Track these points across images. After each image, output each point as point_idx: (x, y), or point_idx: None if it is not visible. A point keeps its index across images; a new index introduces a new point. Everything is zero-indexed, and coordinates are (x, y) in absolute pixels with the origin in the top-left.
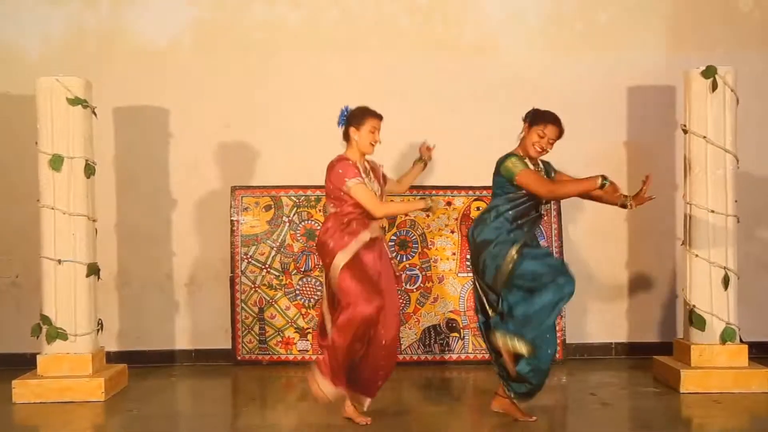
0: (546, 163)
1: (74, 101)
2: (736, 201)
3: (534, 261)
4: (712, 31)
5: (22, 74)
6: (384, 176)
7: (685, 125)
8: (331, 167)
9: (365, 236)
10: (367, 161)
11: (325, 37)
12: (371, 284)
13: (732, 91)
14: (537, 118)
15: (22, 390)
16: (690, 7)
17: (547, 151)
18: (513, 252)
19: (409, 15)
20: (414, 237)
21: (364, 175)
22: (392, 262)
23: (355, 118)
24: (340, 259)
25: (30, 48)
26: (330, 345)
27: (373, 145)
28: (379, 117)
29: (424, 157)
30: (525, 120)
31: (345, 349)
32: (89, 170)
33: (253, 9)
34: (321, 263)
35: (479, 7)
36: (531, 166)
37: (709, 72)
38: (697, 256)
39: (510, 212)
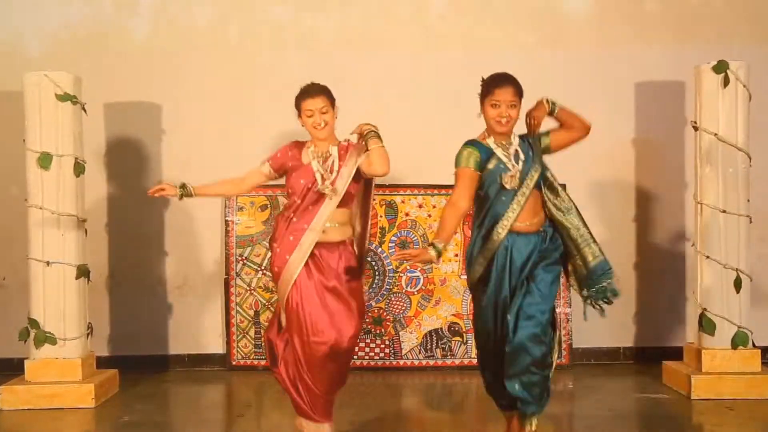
0: (535, 138)
1: (63, 97)
2: (748, 200)
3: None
4: (723, 25)
5: (9, 70)
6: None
7: (695, 122)
8: None
9: (311, 238)
10: (345, 143)
11: (321, 35)
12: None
13: (744, 86)
14: (483, 88)
15: (10, 396)
16: (700, 0)
17: (512, 119)
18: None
19: (410, 12)
20: (415, 238)
21: (313, 160)
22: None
23: (296, 106)
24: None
25: (18, 43)
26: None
27: (317, 128)
28: (312, 94)
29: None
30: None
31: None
32: (79, 169)
33: (249, 6)
34: None
35: (482, 2)
36: (473, 161)
37: (721, 67)
38: (708, 257)
39: (476, 220)
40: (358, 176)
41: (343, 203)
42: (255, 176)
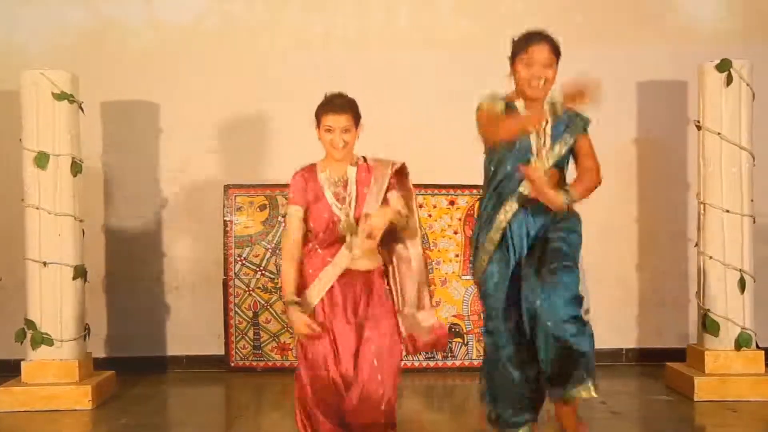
0: (573, 116)
1: (60, 96)
2: (752, 200)
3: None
4: (726, 23)
5: (5, 68)
6: (391, 185)
7: (698, 121)
8: None
9: (332, 272)
10: (366, 164)
11: (321, 34)
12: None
13: (748, 85)
14: (515, 47)
15: (6, 398)
16: None
17: (549, 81)
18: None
19: (411, 10)
20: None
21: (327, 190)
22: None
23: (316, 116)
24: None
25: (14, 41)
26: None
27: (335, 148)
28: (337, 110)
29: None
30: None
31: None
32: (76, 168)
33: (248, 6)
34: None
35: (481, 2)
36: (498, 108)
37: (724, 65)
38: (711, 258)
39: (485, 195)
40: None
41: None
42: (298, 229)
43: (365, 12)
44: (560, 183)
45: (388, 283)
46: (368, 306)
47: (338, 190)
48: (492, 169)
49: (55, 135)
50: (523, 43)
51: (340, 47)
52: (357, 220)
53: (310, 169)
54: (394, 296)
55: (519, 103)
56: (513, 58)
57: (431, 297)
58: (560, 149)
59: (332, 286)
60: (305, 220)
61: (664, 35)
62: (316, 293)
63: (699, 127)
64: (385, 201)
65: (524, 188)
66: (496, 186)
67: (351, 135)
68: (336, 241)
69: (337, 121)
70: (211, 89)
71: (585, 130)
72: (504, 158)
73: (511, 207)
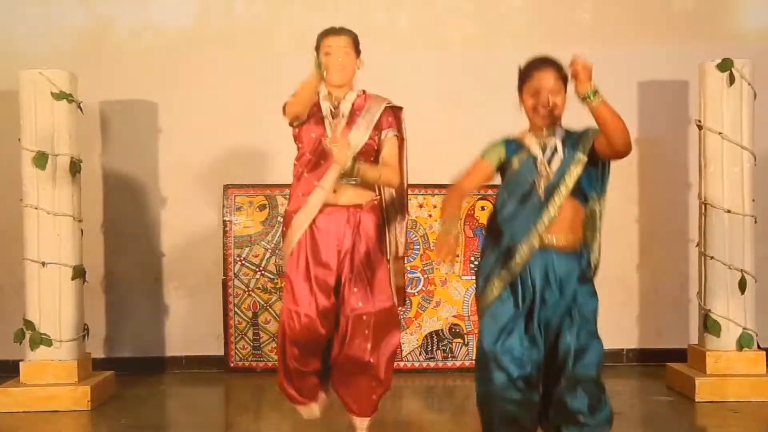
0: (578, 135)
1: (59, 95)
2: (753, 200)
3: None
4: (727, 22)
5: (3, 68)
6: (386, 123)
7: (699, 121)
8: None
9: (318, 196)
10: (365, 94)
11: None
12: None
13: (749, 84)
14: (520, 75)
15: (4, 398)
16: None
17: (558, 107)
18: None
19: (410, 11)
20: (416, 238)
21: (326, 109)
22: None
23: (315, 48)
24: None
25: (13, 41)
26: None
27: (335, 66)
28: (337, 32)
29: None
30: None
31: (282, 357)
32: (75, 168)
33: (248, 5)
34: None
35: (481, 2)
36: (495, 156)
37: (726, 65)
38: (712, 258)
39: (491, 232)
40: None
41: (361, 155)
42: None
43: (365, 12)
44: (579, 219)
45: (381, 219)
46: (354, 253)
47: (332, 108)
48: (500, 202)
49: (53, 135)
50: (527, 72)
51: None
52: (344, 138)
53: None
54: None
55: (528, 135)
56: (519, 88)
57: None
58: (574, 170)
59: (315, 224)
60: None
61: (665, 34)
62: (304, 216)
63: (700, 127)
64: (378, 137)
65: (540, 225)
66: (508, 220)
67: (351, 59)
68: (322, 162)
69: (337, 41)
70: (210, 89)
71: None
72: (509, 191)
73: (526, 250)
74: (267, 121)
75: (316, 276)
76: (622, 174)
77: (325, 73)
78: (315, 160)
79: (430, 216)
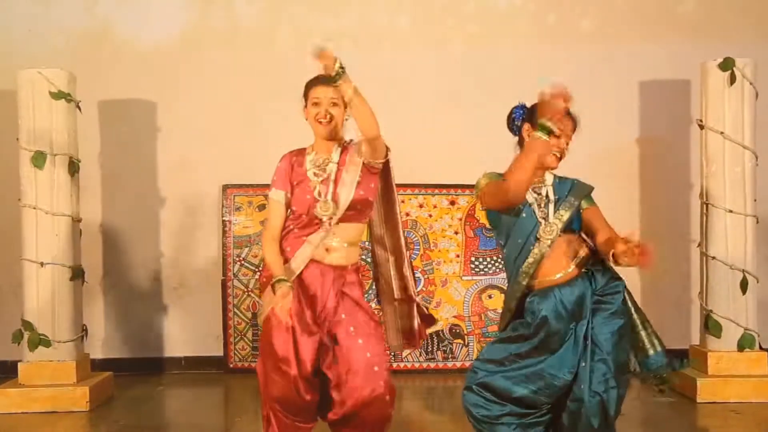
0: (575, 181)
1: (57, 95)
2: (755, 200)
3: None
4: (729, 21)
5: (2, 67)
6: (368, 169)
7: (701, 120)
8: None
9: (306, 251)
10: (346, 146)
11: (321, 34)
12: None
13: (751, 84)
14: (527, 116)
15: (3, 399)
16: None
17: (563, 153)
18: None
19: (410, 8)
20: (416, 238)
21: (309, 171)
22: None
23: (304, 95)
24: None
25: (11, 40)
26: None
27: (321, 122)
28: (325, 82)
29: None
30: (516, 124)
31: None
32: (73, 168)
33: (248, 5)
34: None
35: (482, 2)
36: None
37: (727, 64)
38: (713, 258)
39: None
40: (370, 177)
41: (355, 215)
42: (280, 215)
43: (365, 12)
44: (578, 244)
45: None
46: (338, 307)
47: (320, 171)
48: (503, 244)
49: (52, 134)
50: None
51: (340, 47)
52: (334, 201)
53: (299, 153)
54: (381, 286)
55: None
56: (534, 125)
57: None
58: (566, 213)
59: (301, 279)
60: (288, 204)
61: (667, 34)
62: (288, 272)
63: (702, 127)
64: (359, 184)
65: (528, 268)
66: (514, 261)
67: (339, 111)
68: (314, 223)
69: (324, 92)
70: (209, 88)
71: (591, 199)
72: (510, 230)
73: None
74: (266, 120)
75: (300, 336)
76: (623, 174)
77: None
78: (308, 220)
79: (430, 216)
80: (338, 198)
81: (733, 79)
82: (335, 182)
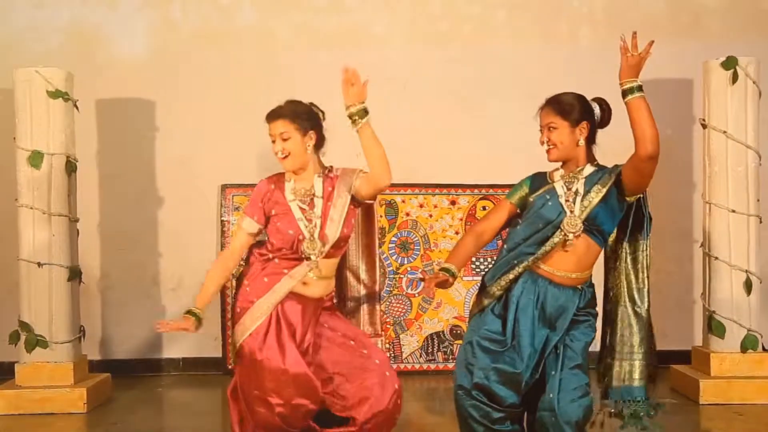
0: (605, 171)
1: (55, 94)
2: (758, 200)
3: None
4: (732, 20)
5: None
6: (357, 202)
7: (703, 120)
8: None
9: (286, 285)
10: (331, 175)
11: (320, 33)
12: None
13: (754, 83)
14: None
15: (0, 401)
16: None
17: (553, 143)
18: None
19: (410, 7)
20: (416, 238)
21: (293, 204)
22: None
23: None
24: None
25: (8, 39)
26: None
27: (279, 159)
28: (271, 117)
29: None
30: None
31: None
32: (71, 167)
33: (246, 5)
34: None
35: (482, 1)
36: (517, 196)
37: (730, 63)
38: (716, 258)
39: (507, 243)
40: (352, 213)
41: (336, 252)
42: (242, 242)
43: (365, 12)
44: (593, 257)
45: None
46: (320, 338)
47: (305, 206)
48: (519, 222)
49: (49, 133)
50: (538, 112)
51: (339, 47)
52: (321, 240)
53: (279, 178)
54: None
55: (557, 173)
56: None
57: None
58: (594, 197)
59: (281, 309)
60: (255, 233)
61: (670, 32)
62: (267, 305)
63: (704, 126)
64: (347, 217)
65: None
66: (518, 245)
67: (293, 143)
68: (298, 258)
69: (273, 128)
70: (208, 88)
71: (620, 167)
72: (534, 213)
73: (519, 271)
74: (262, 120)
75: (287, 363)
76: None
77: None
78: (290, 254)
79: (430, 216)
80: (326, 237)
81: (735, 78)
82: (322, 218)
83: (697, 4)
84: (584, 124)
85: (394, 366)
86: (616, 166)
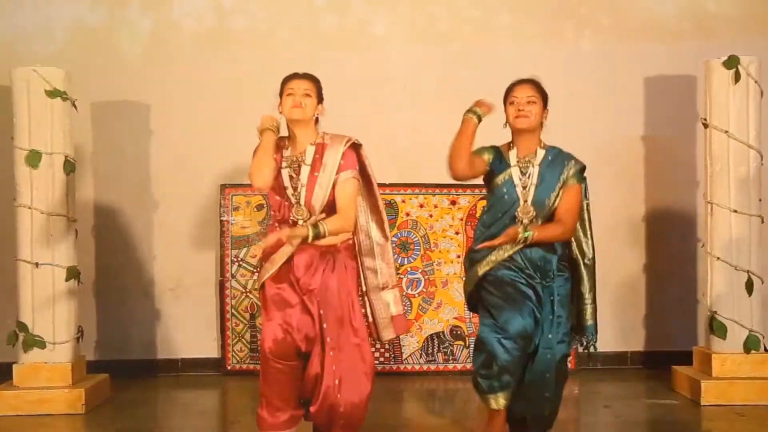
0: (567, 160)
1: (53, 93)
2: (760, 200)
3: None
4: (734, 19)
5: None
6: (342, 166)
7: (705, 119)
8: None
9: (286, 251)
10: (323, 142)
11: (320, 33)
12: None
13: (756, 82)
14: (505, 94)
15: None
16: None
17: (529, 113)
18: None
19: (410, 7)
20: (416, 238)
21: (283, 170)
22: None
23: (279, 94)
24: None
25: (6, 39)
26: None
27: (296, 107)
28: (300, 76)
29: None
30: None
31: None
32: (69, 167)
33: (244, 5)
34: None
35: (482, 1)
36: (485, 153)
37: (732, 62)
38: (718, 259)
39: (484, 216)
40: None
41: (332, 212)
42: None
43: (364, 12)
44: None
45: (354, 258)
46: (325, 292)
47: (293, 173)
48: (485, 210)
49: (47, 133)
50: (509, 88)
51: (339, 47)
52: (308, 207)
53: (280, 140)
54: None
55: (512, 153)
56: (504, 106)
57: (395, 273)
58: (551, 202)
59: (290, 263)
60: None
61: (672, 30)
62: (271, 267)
63: (706, 125)
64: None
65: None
66: (483, 233)
67: (311, 102)
68: (289, 222)
69: (299, 84)
70: (206, 87)
71: (579, 180)
72: (494, 202)
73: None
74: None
75: (287, 311)
76: (628, 173)
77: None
78: (282, 217)
79: (430, 216)
80: (311, 205)
81: (737, 77)
82: (308, 187)
83: (699, 3)
84: (547, 110)
85: (394, 366)
86: (572, 168)
